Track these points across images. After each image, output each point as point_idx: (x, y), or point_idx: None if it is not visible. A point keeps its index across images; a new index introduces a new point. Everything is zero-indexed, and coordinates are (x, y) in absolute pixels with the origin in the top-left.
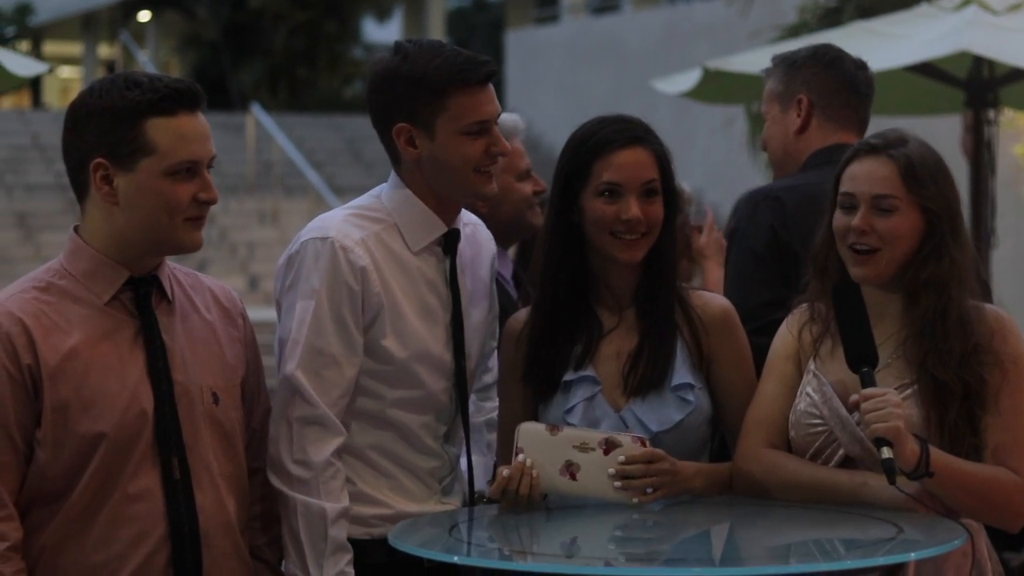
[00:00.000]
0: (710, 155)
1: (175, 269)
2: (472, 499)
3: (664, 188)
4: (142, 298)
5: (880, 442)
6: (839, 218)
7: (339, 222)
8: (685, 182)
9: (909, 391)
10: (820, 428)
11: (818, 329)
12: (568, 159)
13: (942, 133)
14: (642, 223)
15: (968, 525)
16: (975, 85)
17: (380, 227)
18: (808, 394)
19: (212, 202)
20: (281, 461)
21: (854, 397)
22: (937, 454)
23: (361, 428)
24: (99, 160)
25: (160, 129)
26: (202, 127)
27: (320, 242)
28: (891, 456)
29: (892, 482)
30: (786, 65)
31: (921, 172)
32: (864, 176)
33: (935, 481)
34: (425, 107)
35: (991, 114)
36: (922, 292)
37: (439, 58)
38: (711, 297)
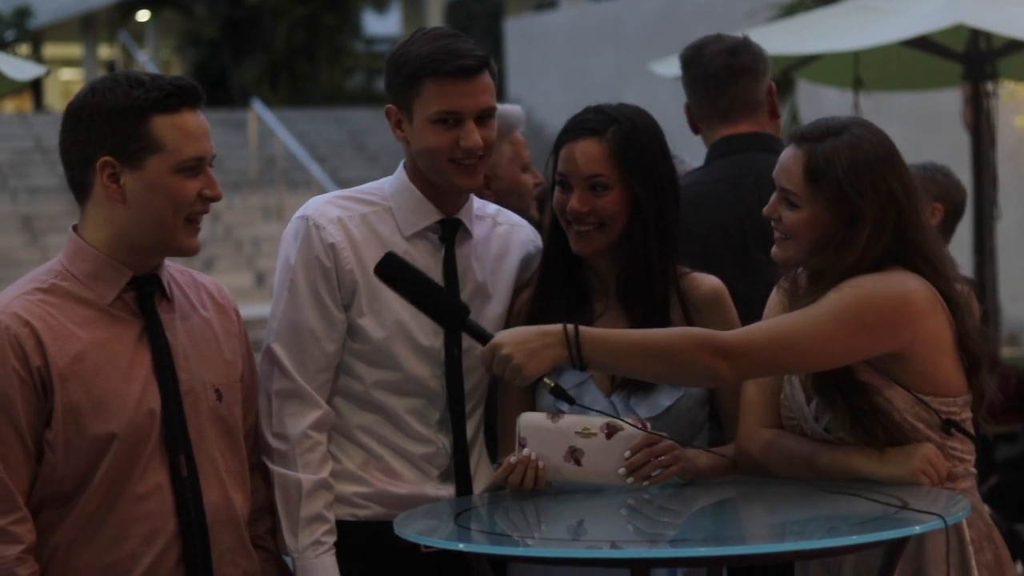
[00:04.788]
0: None
1: (171, 267)
2: (463, 488)
3: (630, 182)
4: (145, 298)
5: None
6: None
7: (322, 202)
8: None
9: None
10: (792, 422)
11: (789, 304)
12: (552, 148)
13: (943, 106)
14: (587, 215)
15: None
16: (973, 58)
17: (370, 209)
18: (785, 382)
19: (216, 199)
20: (263, 434)
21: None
22: (592, 340)
23: (349, 408)
24: (106, 159)
25: (166, 127)
26: (204, 124)
27: (299, 220)
28: (551, 383)
29: (572, 402)
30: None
31: (826, 171)
32: (781, 165)
33: (599, 365)
34: (405, 91)
35: (990, 86)
36: (811, 280)
37: (427, 46)
38: (702, 277)
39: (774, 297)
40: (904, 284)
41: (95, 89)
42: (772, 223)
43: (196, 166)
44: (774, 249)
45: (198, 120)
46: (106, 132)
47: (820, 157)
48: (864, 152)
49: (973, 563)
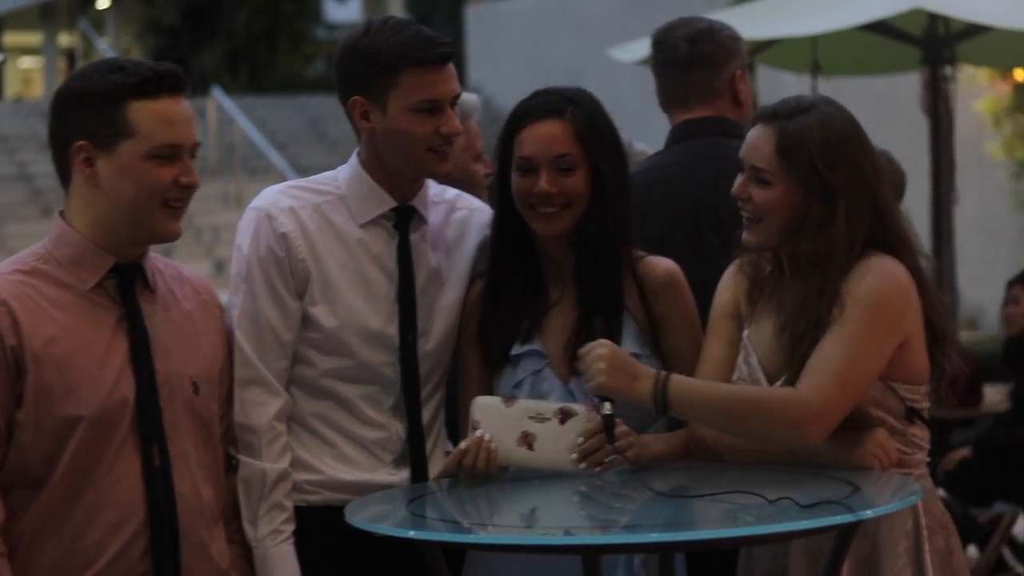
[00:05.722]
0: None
1: (156, 259)
2: (418, 473)
3: (593, 160)
4: (126, 286)
5: (600, 398)
6: (736, 180)
7: (275, 192)
8: (647, 146)
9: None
10: None
11: (752, 289)
12: (500, 135)
13: (902, 91)
14: (555, 196)
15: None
16: (931, 42)
17: (323, 199)
18: (739, 365)
19: (192, 187)
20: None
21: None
22: (680, 386)
23: (302, 396)
24: (81, 143)
25: (141, 112)
26: (185, 112)
27: (252, 211)
28: (609, 412)
29: (610, 438)
30: None
31: (799, 147)
32: (750, 143)
33: (681, 413)
34: (378, 82)
35: (948, 71)
36: (791, 272)
37: (398, 35)
38: (657, 261)
39: (728, 278)
40: (897, 274)
41: (78, 74)
42: (740, 204)
43: (172, 153)
44: (744, 234)
45: (178, 107)
46: (83, 116)
47: (792, 134)
48: (836, 130)
49: (927, 547)
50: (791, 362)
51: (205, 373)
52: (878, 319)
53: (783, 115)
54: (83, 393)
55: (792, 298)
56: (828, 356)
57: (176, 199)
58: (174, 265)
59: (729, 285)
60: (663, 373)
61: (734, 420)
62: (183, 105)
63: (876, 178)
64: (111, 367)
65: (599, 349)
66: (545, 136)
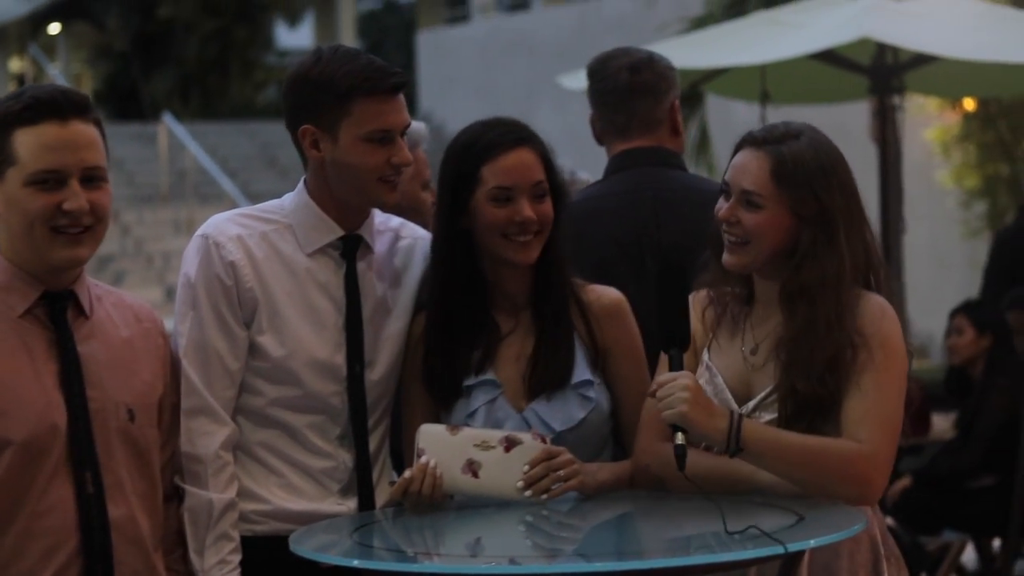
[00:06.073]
0: None
1: (95, 286)
2: (365, 502)
3: (555, 187)
4: (57, 313)
5: (674, 428)
6: (719, 204)
7: (222, 220)
8: (590, 175)
9: (773, 396)
10: None
11: (715, 314)
12: (454, 165)
13: (851, 120)
14: (535, 223)
15: (864, 510)
16: (879, 71)
17: (271, 227)
18: (706, 383)
19: (74, 211)
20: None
21: (653, 385)
22: (753, 429)
23: (248, 425)
24: None
25: (23, 138)
26: (72, 136)
27: (199, 239)
28: (682, 443)
29: (680, 468)
30: None
31: (795, 172)
32: (739, 167)
33: (751, 455)
34: (330, 111)
35: (896, 100)
36: (796, 298)
37: (349, 64)
38: (604, 289)
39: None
40: (893, 312)
41: None
42: (726, 227)
43: (52, 179)
44: (726, 256)
45: (63, 132)
46: None
47: (788, 158)
48: (828, 155)
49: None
50: (805, 380)
51: (143, 400)
52: (900, 364)
53: (773, 140)
54: (13, 418)
55: (786, 323)
56: (873, 408)
57: (67, 225)
58: (117, 292)
59: (693, 312)
60: (736, 414)
61: (802, 470)
62: (73, 129)
63: (859, 204)
64: (41, 393)
65: (684, 380)
66: (521, 165)
